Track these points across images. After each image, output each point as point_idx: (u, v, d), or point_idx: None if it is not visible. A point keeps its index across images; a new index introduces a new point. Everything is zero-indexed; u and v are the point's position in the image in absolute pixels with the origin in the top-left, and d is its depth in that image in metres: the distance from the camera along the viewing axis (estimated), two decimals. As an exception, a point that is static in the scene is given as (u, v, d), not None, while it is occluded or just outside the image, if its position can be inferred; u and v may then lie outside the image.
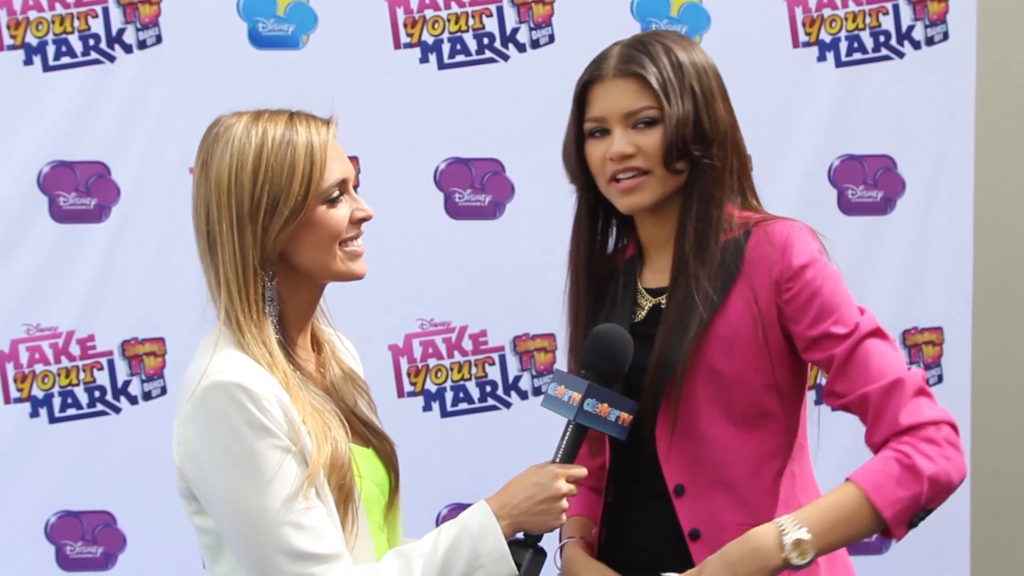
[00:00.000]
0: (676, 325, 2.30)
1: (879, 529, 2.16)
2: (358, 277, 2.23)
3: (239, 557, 2.12)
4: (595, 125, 2.35)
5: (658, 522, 2.33)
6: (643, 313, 2.40)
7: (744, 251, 2.31)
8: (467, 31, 3.76)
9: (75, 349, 3.74)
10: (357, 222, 2.21)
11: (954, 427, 2.19)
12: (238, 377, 2.08)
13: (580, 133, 2.38)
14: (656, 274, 2.40)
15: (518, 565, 2.17)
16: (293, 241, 2.15)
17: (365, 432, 2.26)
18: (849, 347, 2.25)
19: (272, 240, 2.13)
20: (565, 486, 2.20)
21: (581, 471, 2.24)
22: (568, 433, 2.25)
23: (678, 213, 2.36)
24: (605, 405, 2.24)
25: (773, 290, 2.28)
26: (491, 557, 2.15)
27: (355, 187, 2.25)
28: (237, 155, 2.13)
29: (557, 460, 2.24)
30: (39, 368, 3.74)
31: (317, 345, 2.30)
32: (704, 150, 2.32)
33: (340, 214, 2.18)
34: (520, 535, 2.21)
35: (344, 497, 2.14)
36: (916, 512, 2.16)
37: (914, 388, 2.20)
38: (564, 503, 2.21)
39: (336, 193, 2.18)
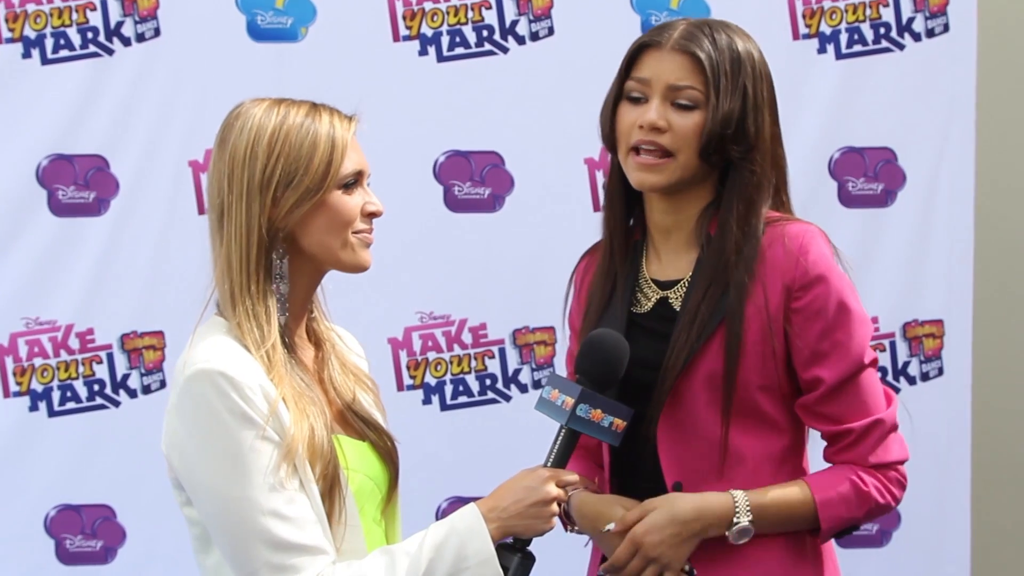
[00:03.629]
0: (695, 328, 2.28)
1: (810, 530, 2.31)
2: (362, 267, 2.23)
3: (221, 546, 2.12)
4: (636, 86, 2.31)
5: None
6: (649, 305, 2.37)
7: (758, 252, 2.29)
8: (466, 23, 3.75)
9: (74, 343, 3.74)
10: (368, 215, 2.22)
11: (904, 464, 2.35)
12: (222, 365, 2.08)
13: (620, 93, 2.34)
14: (664, 265, 2.37)
15: (505, 569, 2.15)
16: (304, 223, 2.17)
17: (361, 426, 2.26)
18: (846, 375, 2.28)
19: (283, 215, 2.15)
20: (555, 490, 2.19)
21: (572, 476, 2.22)
22: (560, 438, 2.23)
23: (703, 205, 2.33)
24: (599, 411, 2.22)
25: (784, 295, 2.27)
26: (477, 559, 2.13)
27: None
28: (255, 131, 2.16)
29: (548, 464, 2.23)
30: (38, 362, 3.74)
31: (316, 341, 2.30)
32: (744, 153, 2.29)
33: (353, 202, 2.20)
34: (509, 539, 2.20)
35: (329, 487, 2.13)
36: (847, 528, 2.33)
37: (889, 427, 2.31)
38: (554, 507, 2.19)
39: (352, 181, 2.19)
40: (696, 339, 2.27)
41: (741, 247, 2.28)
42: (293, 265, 2.19)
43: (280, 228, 2.15)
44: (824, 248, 2.30)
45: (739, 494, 2.25)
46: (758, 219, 2.31)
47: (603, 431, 2.23)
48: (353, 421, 2.26)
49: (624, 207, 2.41)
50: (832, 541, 2.40)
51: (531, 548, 2.22)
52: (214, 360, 2.09)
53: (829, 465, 2.34)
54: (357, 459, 2.22)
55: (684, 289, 2.33)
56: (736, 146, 2.28)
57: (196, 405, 2.08)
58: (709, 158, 2.28)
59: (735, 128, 2.27)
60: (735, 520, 2.24)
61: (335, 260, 2.21)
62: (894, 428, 2.32)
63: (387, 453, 2.28)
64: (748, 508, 2.24)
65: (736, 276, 2.27)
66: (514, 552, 2.18)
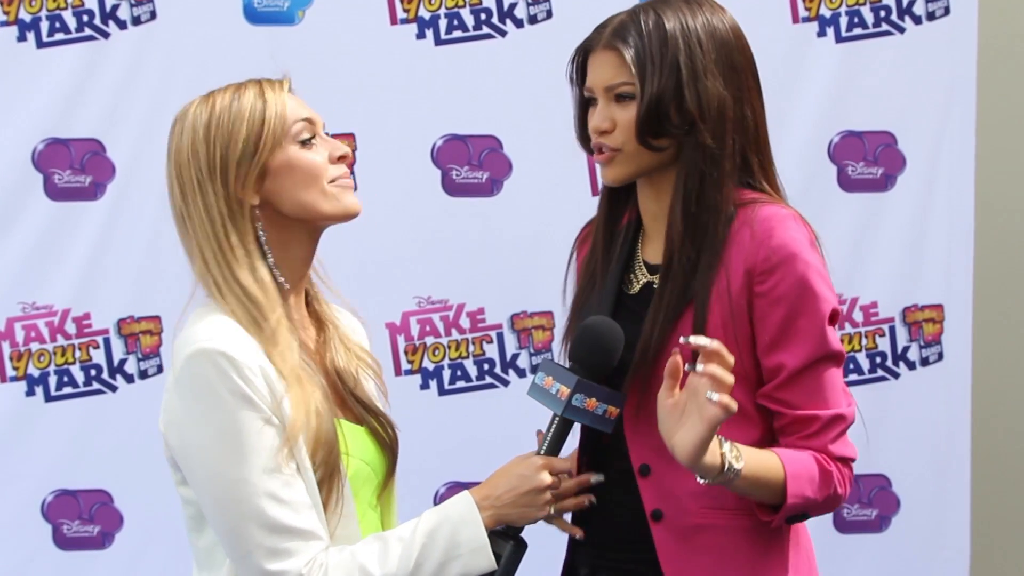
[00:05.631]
0: (663, 312, 2.26)
1: (769, 505, 2.23)
2: (351, 212, 2.21)
3: (215, 526, 2.12)
4: (588, 94, 2.33)
5: (627, 501, 2.30)
6: (637, 287, 2.36)
7: (726, 234, 2.25)
8: (464, 6, 3.73)
9: (71, 327, 3.73)
10: (336, 160, 2.21)
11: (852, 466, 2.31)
12: (223, 345, 2.08)
13: (583, 100, 2.35)
14: (656, 250, 2.36)
15: (498, 557, 2.15)
16: (275, 190, 2.16)
17: (360, 411, 2.25)
18: (808, 361, 2.23)
19: (249, 188, 2.15)
20: (548, 478, 2.19)
21: (565, 464, 2.22)
22: (554, 426, 2.23)
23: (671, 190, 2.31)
24: (593, 399, 2.21)
25: (745, 280, 2.23)
26: (469, 547, 2.13)
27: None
28: (192, 128, 2.17)
29: (542, 452, 2.22)
30: (35, 347, 3.73)
31: (319, 323, 2.29)
32: (688, 127, 2.25)
33: (316, 155, 2.18)
34: (502, 527, 2.19)
35: (329, 474, 2.13)
36: (800, 513, 2.25)
37: (848, 424, 2.27)
38: (547, 495, 2.19)
39: (306, 135, 2.18)
40: (661, 326, 2.25)
41: (683, 233, 2.25)
42: (283, 234, 2.18)
43: (251, 203, 2.15)
44: (793, 232, 2.24)
45: (734, 444, 2.16)
46: (717, 192, 2.26)
47: (596, 419, 2.22)
48: (353, 405, 2.25)
49: (609, 202, 2.41)
50: (808, 530, 2.38)
51: (524, 536, 2.21)
52: (216, 339, 2.09)
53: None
54: (354, 444, 2.21)
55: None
56: (678, 123, 2.25)
57: (196, 384, 2.08)
58: (648, 144, 2.26)
59: (674, 105, 2.24)
60: (727, 463, 2.13)
61: (319, 214, 2.19)
62: (849, 426, 2.28)
63: (385, 439, 2.27)
64: (740, 457, 2.15)
65: (702, 259, 2.24)
66: (507, 539, 2.18)
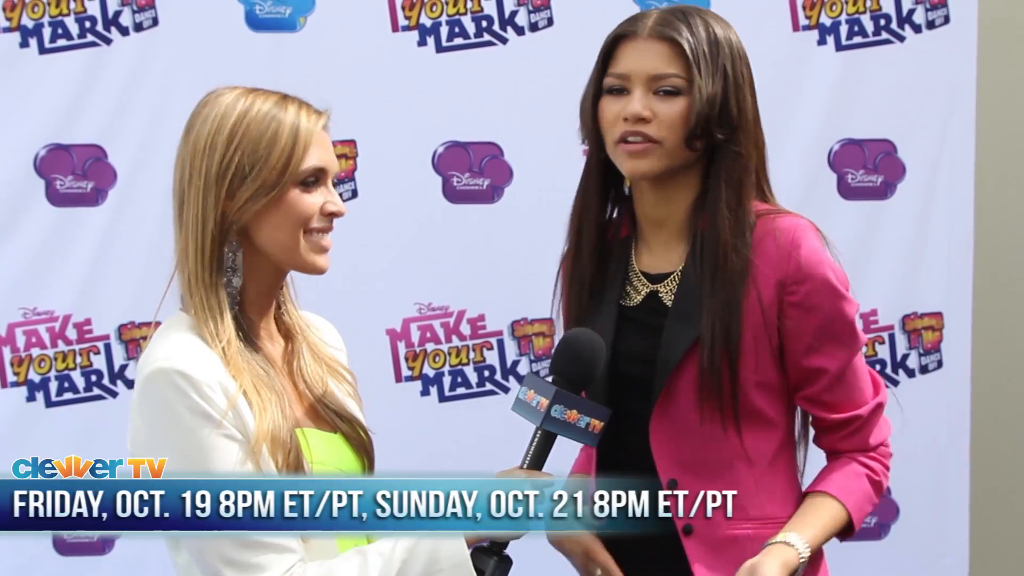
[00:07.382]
0: (718, 320, 2.26)
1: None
2: (319, 271, 2.18)
3: (187, 545, 2.10)
4: (616, 82, 2.28)
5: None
6: (638, 299, 2.35)
7: (750, 244, 2.27)
8: (465, 14, 3.74)
9: (72, 333, 3.73)
10: (328, 215, 2.17)
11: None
12: (180, 363, 2.06)
13: (599, 88, 2.31)
14: (655, 258, 2.35)
15: (481, 572, 2.10)
16: (259, 218, 2.13)
17: (333, 418, 2.23)
18: (847, 362, 2.30)
19: (237, 209, 2.11)
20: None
21: (547, 478, 2.18)
22: (535, 439, 2.18)
23: (693, 196, 2.30)
24: (574, 412, 2.17)
25: (777, 290, 2.26)
26: (451, 562, 2.08)
27: (335, 183, 2.21)
28: (219, 119, 2.12)
29: (524, 466, 2.17)
30: (36, 352, 3.73)
31: (287, 334, 2.26)
32: (729, 135, 2.27)
33: (312, 200, 2.14)
34: (486, 543, 2.14)
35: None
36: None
37: (884, 405, 2.37)
38: None
39: (312, 179, 2.15)
40: (688, 333, 2.26)
41: (735, 236, 2.26)
42: (250, 261, 2.15)
43: (234, 221, 2.12)
44: (815, 241, 2.29)
45: (795, 538, 2.24)
46: (749, 203, 2.29)
47: (579, 432, 2.19)
48: (324, 413, 2.22)
49: (599, 205, 2.38)
50: None
51: (509, 552, 2.19)
52: (173, 359, 2.07)
53: (828, 454, 2.36)
54: (327, 451, 2.19)
55: (675, 283, 2.31)
56: (721, 128, 2.26)
57: (156, 405, 2.07)
58: (692, 143, 2.25)
59: (719, 110, 2.25)
60: (800, 561, 2.23)
61: (289, 259, 2.16)
62: (883, 408, 2.38)
63: (361, 444, 2.24)
64: (807, 548, 2.24)
65: (731, 270, 2.26)
66: (490, 555, 2.13)
